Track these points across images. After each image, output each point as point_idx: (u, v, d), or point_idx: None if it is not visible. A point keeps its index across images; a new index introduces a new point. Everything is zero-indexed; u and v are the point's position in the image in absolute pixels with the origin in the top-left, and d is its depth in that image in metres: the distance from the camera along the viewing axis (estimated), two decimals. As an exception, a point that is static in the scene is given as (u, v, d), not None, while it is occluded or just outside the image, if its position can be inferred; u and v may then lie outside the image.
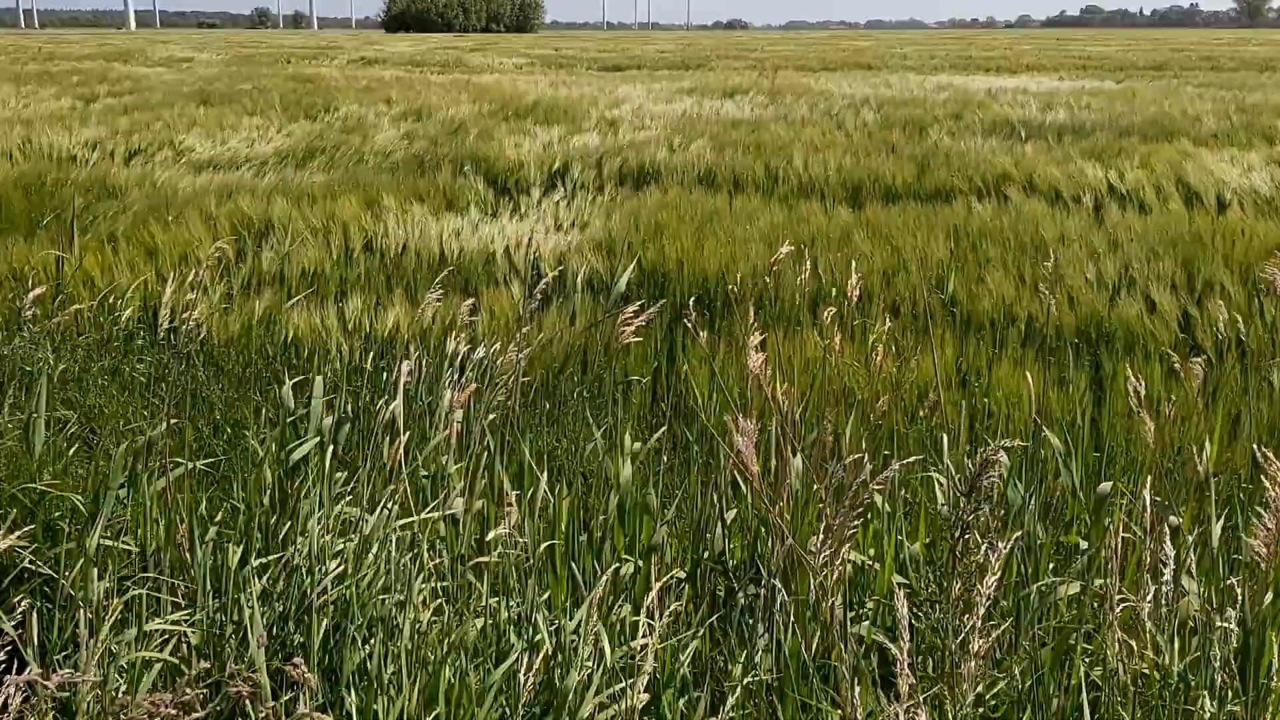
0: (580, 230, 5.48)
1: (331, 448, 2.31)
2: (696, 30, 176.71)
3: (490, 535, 2.21)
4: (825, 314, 2.83)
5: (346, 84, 13.45)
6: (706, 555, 2.32)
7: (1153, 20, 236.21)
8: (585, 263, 4.69)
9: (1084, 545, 2.32)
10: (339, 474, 2.36)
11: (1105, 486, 2.38)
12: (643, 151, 7.58)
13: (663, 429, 2.67)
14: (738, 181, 6.91)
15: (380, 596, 1.94)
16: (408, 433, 2.38)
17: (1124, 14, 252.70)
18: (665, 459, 2.67)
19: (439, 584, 2.07)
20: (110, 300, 4.21)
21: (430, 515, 2.24)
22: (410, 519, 2.18)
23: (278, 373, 3.42)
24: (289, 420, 2.53)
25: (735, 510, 2.39)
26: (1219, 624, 1.79)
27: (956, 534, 1.73)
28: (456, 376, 2.46)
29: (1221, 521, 2.19)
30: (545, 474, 2.38)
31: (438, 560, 2.12)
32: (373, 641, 1.85)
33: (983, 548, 1.65)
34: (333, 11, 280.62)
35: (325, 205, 5.49)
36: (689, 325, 2.61)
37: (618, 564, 2.23)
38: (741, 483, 2.37)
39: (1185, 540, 2.17)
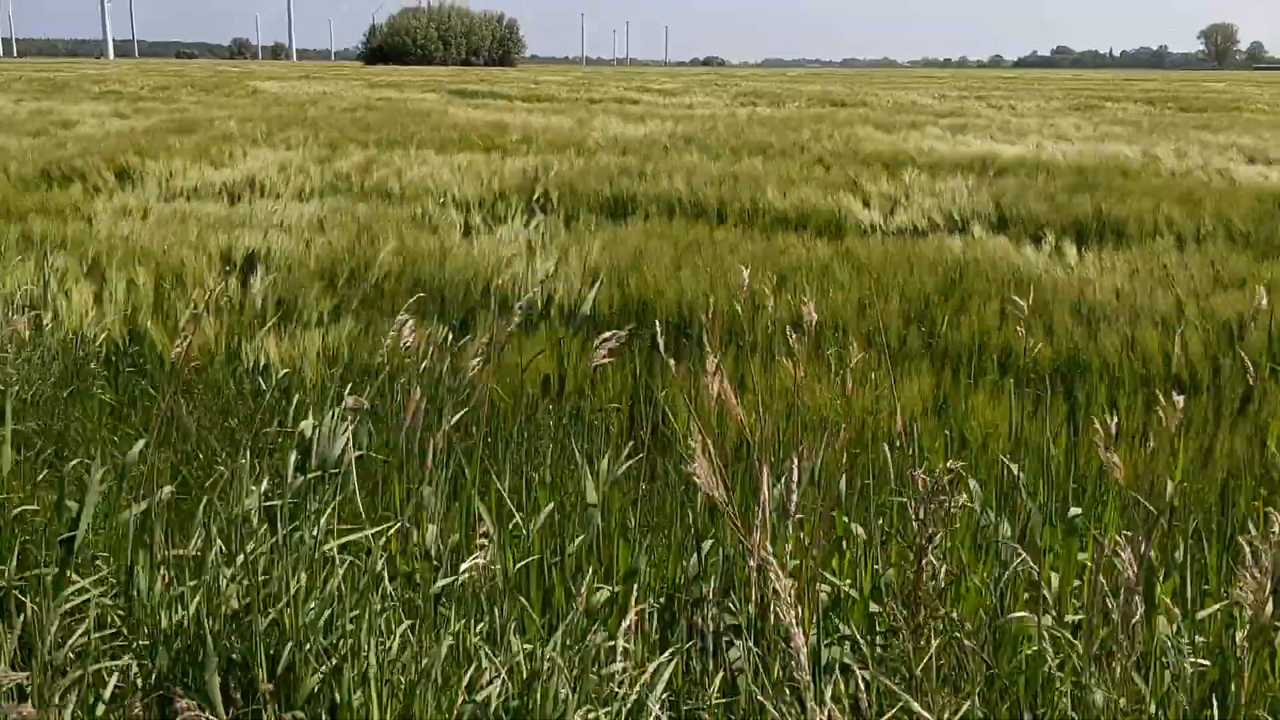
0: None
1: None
2: (675, 66, 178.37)
3: (465, 565, 2.19)
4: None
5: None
6: (682, 582, 2.31)
7: (1122, 61, 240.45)
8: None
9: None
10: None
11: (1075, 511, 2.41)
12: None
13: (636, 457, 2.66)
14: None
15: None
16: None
17: (1094, 55, 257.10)
18: (643, 487, 2.67)
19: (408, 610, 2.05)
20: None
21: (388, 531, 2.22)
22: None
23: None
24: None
25: (711, 539, 2.38)
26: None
27: (913, 556, 1.74)
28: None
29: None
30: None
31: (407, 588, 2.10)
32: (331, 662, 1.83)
33: (940, 570, 1.65)
34: (311, 43, 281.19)
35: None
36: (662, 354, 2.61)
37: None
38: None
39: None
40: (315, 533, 2.10)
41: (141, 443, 2.39)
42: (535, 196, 7.77)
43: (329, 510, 2.24)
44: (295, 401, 3.02)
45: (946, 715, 1.69)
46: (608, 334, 2.44)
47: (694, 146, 11.04)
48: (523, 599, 2.20)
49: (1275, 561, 1.55)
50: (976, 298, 4.72)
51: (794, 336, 2.41)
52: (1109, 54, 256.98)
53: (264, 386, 3.57)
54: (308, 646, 1.81)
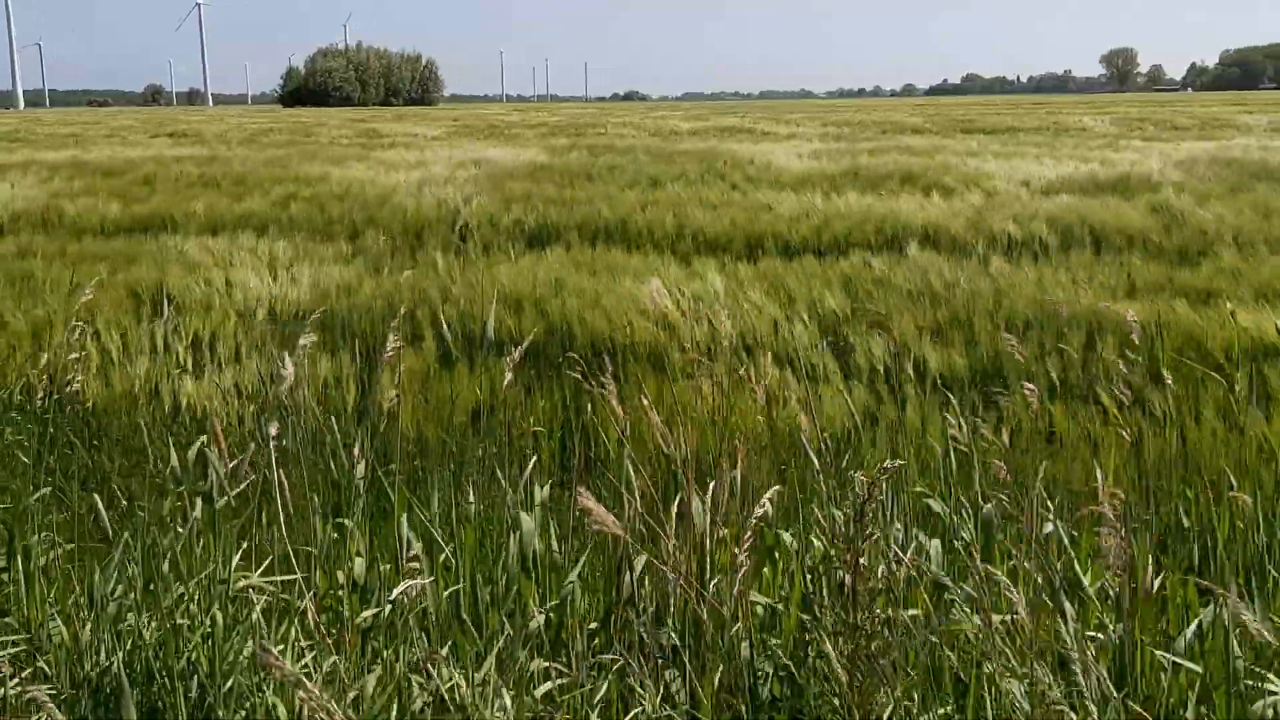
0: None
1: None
2: (596, 102, 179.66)
3: (396, 592, 2.15)
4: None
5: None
6: (618, 601, 2.29)
7: (1029, 87, 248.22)
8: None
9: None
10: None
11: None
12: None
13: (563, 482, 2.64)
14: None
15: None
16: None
17: (1002, 81, 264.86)
18: (577, 512, 2.64)
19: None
20: None
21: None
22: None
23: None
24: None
25: (645, 555, 2.37)
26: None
27: (848, 557, 1.75)
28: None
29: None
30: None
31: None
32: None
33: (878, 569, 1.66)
34: (227, 88, 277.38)
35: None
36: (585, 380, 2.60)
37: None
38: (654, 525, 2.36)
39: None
40: (226, 573, 2.05)
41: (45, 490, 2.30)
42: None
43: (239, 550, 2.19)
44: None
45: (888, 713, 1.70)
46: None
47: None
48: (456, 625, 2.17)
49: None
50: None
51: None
52: (1016, 80, 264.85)
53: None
54: (228, 685, 1.75)
